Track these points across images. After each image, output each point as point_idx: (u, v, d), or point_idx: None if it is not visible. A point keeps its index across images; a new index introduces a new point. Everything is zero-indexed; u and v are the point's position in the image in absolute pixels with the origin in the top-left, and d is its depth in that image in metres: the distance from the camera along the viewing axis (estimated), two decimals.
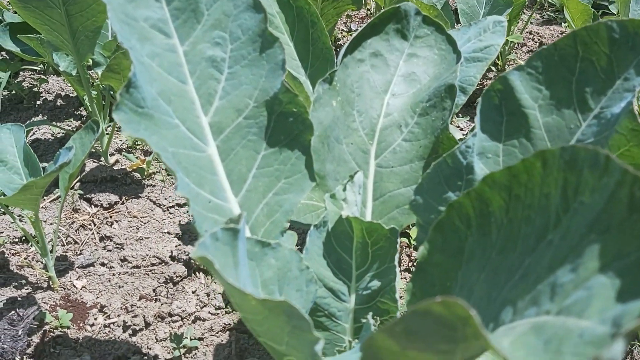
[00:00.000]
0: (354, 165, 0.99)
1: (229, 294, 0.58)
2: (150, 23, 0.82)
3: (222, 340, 1.24)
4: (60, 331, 1.24)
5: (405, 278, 1.45)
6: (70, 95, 2.22)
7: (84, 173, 1.75)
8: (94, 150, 1.87)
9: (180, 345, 1.19)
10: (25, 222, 1.56)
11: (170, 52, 0.84)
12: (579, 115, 0.78)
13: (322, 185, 0.94)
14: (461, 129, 2.06)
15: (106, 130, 1.81)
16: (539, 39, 2.84)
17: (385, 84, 1.01)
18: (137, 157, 1.82)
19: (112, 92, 1.85)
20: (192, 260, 1.43)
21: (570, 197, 0.50)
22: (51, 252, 1.36)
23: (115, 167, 1.79)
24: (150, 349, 1.22)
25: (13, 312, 1.26)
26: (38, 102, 2.18)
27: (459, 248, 0.66)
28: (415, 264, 1.05)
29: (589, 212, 0.47)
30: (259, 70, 0.89)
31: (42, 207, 1.65)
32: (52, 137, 1.98)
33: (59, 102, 2.18)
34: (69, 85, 2.27)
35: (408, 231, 1.52)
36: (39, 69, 2.37)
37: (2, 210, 1.47)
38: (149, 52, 0.81)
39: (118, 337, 1.24)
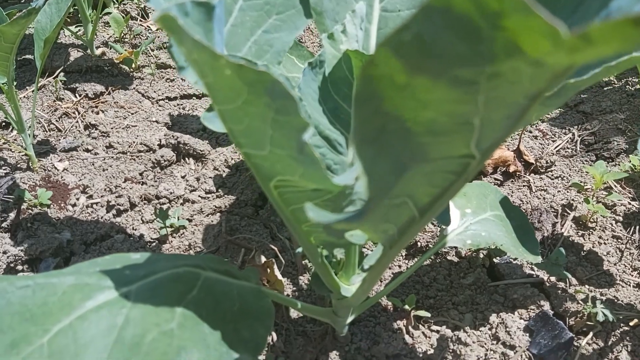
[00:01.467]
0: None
1: (199, 70, 0.48)
2: None
3: (211, 221, 1.16)
4: (40, 209, 1.16)
5: None
6: None
7: (68, 62, 1.64)
8: (80, 42, 1.75)
9: (167, 225, 1.11)
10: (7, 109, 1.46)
11: None
12: None
13: (320, 24, 0.83)
14: None
15: (91, 19, 1.69)
16: None
17: None
18: (125, 50, 1.70)
19: None
20: (180, 145, 1.34)
21: None
22: (29, 129, 1.26)
23: (102, 59, 1.68)
24: (135, 229, 1.15)
25: None
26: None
27: None
28: None
29: None
30: None
31: (24, 96, 1.55)
32: None
33: None
34: None
35: None
36: None
37: None
38: None
39: (101, 217, 1.17)
